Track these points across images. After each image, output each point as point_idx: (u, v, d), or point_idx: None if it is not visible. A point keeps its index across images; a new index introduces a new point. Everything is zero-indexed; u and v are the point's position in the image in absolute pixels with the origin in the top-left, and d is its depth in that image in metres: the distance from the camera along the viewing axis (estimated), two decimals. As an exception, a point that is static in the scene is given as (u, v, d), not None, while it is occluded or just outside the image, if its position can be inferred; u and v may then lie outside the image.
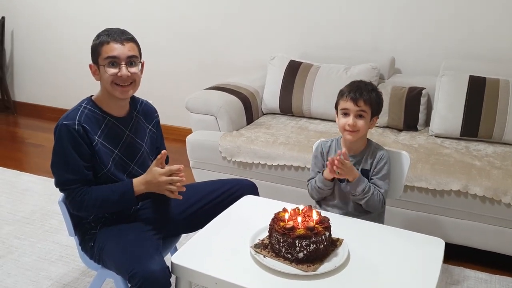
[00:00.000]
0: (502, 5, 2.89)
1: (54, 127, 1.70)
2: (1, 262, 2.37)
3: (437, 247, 1.60)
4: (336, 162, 1.73)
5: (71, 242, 2.47)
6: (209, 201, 1.93)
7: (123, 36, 1.69)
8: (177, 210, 1.89)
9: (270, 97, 3.09)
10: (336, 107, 1.88)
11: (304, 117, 3.03)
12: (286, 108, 3.04)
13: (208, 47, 3.79)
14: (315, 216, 1.55)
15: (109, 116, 1.76)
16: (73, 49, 4.37)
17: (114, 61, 1.68)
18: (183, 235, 2.00)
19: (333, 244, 1.56)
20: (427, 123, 2.86)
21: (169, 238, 1.91)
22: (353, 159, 1.87)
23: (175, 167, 1.70)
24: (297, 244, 1.47)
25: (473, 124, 2.60)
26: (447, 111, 2.68)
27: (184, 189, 1.73)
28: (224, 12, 3.65)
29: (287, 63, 3.08)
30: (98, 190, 1.70)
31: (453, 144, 2.61)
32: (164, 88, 3.95)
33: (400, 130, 2.83)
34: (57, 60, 4.52)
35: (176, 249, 2.01)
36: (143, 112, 1.89)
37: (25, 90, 4.82)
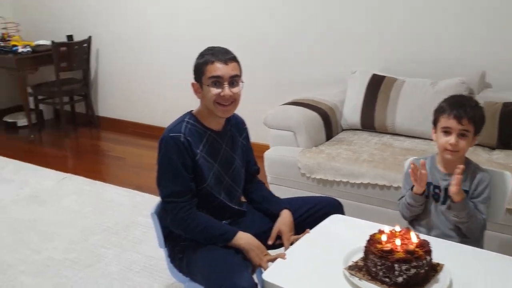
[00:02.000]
0: None
1: (159, 140, 1.74)
2: (90, 270, 2.46)
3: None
4: (412, 167, 1.66)
5: (155, 253, 2.53)
6: (294, 219, 1.89)
7: (227, 55, 1.72)
8: (262, 227, 1.87)
9: (351, 112, 3.02)
10: (434, 123, 1.78)
11: (387, 133, 2.93)
12: (368, 123, 2.96)
13: (285, 62, 3.79)
14: (414, 239, 1.46)
15: (209, 131, 1.79)
16: (153, 67, 4.53)
17: (217, 81, 1.70)
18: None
19: (433, 269, 1.47)
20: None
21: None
22: (449, 178, 1.76)
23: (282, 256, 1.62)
24: (396, 268, 1.39)
25: None
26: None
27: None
28: (301, 26, 3.64)
29: (369, 77, 3.01)
30: (204, 218, 1.72)
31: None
32: (241, 104, 3.98)
33: (493, 149, 2.65)
34: (137, 77, 4.71)
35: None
36: (235, 125, 1.92)
37: (107, 106, 5.06)
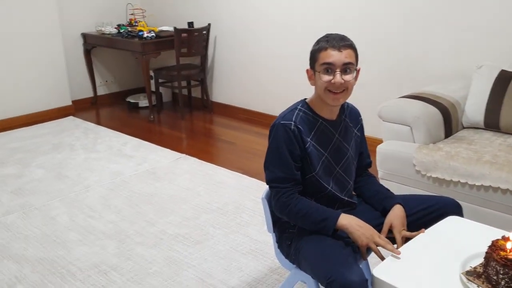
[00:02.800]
0: None
1: (271, 126, 1.78)
2: (200, 247, 2.60)
3: None
4: None
5: (261, 237, 2.60)
6: (408, 216, 1.82)
7: (341, 42, 1.69)
8: (374, 222, 1.82)
9: (474, 110, 2.82)
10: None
11: (514, 134, 2.70)
12: (493, 123, 2.74)
13: (403, 54, 3.64)
14: (546, 251, 1.34)
15: (321, 119, 1.79)
16: (268, 55, 4.61)
17: (329, 68, 1.69)
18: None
19: None
20: None
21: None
22: None
23: (397, 251, 1.57)
24: (521, 279, 1.29)
25: None
26: None
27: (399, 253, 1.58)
28: (424, 17, 3.46)
29: (497, 73, 2.78)
30: (306, 203, 1.72)
31: None
32: (354, 96, 3.91)
33: None
34: (252, 65, 4.83)
35: (367, 262, 1.96)
36: (350, 116, 1.89)
37: (221, 92, 5.26)
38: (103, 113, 5.47)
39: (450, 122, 2.82)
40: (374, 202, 1.89)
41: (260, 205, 2.23)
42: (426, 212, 1.82)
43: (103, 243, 2.67)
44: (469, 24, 3.24)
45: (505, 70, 2.78)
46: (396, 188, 2.64)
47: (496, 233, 1.62)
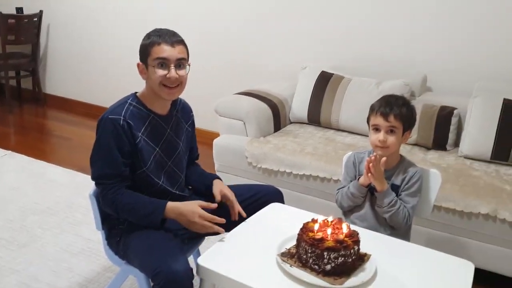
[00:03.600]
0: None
1: (99, 120, 1.72)
2: (25, 251, 2.41)
3: (466, 270, 1.57)
4: (373, 158, 1.72)
5: (94, 236, 2.50)
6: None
7: (173, 38, 1.71)
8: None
9: (299, 107, 3.09)
10: (368, 122, 1.87)
11: (332, 128, 3.02)
12: (315, 118, 3.04)
13: (241, 52, 3.82)
14: (345, 229, 1.53)
15: (153, 114, 1.79)
16: (105, 47, 4.44)
17: (163, 63, 1.70)
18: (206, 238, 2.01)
19: (361, 259, 1.54)
20: (456, 143, 2.83)
21: (193, 240, 1.91)
22: (384, 174, 1.85)
23: (219, 219, 1.67)
24: (325, 256, 1.45)
25: (505, 148, 2.56)
26: (478, 132, 2.64)
27: (224, 220, 1.69)
28: (259, 18, 3.68)
29: (318, 74, 3.08)
30: (132, 197, 1.70)
31: (483, 166, 2.57)
32: (192, 90, 3.97)
33: (429, 149, 2.79)
34: (89, 56, 4.60)
35: (198, 252, 2.02)
36: (182, 111, 1.92)
37: (56, 83, 4.92)
38: None
39: (279, 117, 3.04)
40: (199, 184, 1.97)
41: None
42: (252, 200, 1.94)
43: None
44: (298, 27, 3.53)
45: (325, 71, 3.10)
46: (231, 179, 2.78)
47: (310, 217, 1.79)
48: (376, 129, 1.81)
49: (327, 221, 1.60)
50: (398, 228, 1.85)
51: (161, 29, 1.75)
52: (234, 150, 2.79)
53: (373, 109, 1.83)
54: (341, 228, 1.56)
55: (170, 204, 1.71)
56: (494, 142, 2.58)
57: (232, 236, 1.70)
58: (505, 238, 2.20)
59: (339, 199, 1.94)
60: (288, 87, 3.26)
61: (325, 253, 1.45)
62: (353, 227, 1.63)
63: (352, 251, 1.48)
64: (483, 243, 2.25)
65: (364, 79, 2.97)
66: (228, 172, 2.84)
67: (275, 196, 1.98)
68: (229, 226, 1.73)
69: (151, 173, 1.77)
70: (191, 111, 2.00)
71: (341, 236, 1.50)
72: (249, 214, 1.83)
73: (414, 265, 1.59)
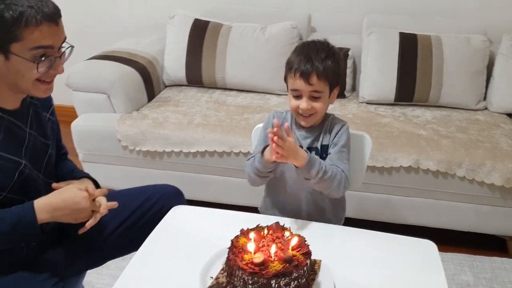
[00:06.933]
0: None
1: None
2: None
3: (431, 250, 1.29)
4: (275, 139, 1.23)
5: None
6: (127, 218, 1.45)
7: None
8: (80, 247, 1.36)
9: (174, 66, 2.54)
10: (285, 81, 1.44)
11: (218, 88, 2.54)
12: (195, 78, 2.53)
13: (85, 4, 3.06)
14: (294, 241, 1.13)
15: (1, 112, 1.18)
16: None
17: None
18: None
19: (312, 270, 1.17)
20: (354, 88, 2.58)
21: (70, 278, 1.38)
22: (311, 135, 1.45)
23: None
24: (273, 285, 1.05)
25: (408, 88, 2.36)
26: (378, 74, 2.40)
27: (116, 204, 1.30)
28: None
29: (191, 23, 2.54)
30: None
31: (388, 111, 2.35)
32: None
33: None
34: None
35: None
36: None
37: None
38: None
39: (151, 82, 2.48)
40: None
41: None
42: (146, 207, 1.48)
43: None
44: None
45: (199, 19, 2.57)
46: (102, 170, 2.23)
47: (224, 216, 1.41)
48: (297, 95, 1.38)
49: (262, 230, 1.18)
50: (337, 196, 1.46)
51: None
52: (101, 133, 2.19)
53: (290, 68, 1.38)
54: (283, 237, 1.16)
55: (38, 203, 1.17)
56: (397, 83, 2.35)
57: (142, 255, 1.23)
58: (428, 188, 2.02)
59: (248, 171, 1.46)
60: (154, 42, 2.67)
61: (273, 282, 1.05)
62: (273, 218, 1.23)
63: (305, 268, 1.09)
64: (405, 197, 2.06)
65: (246, 25, 2.51)
66: (97, 161, 2.26)
67: (174, 197, 1.52)
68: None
69: (17, 195, 1.20)
70: None
71: (289, 252, 1.10)
72: (148, 227, 1.35)
73: (372, 260, 1.25)
